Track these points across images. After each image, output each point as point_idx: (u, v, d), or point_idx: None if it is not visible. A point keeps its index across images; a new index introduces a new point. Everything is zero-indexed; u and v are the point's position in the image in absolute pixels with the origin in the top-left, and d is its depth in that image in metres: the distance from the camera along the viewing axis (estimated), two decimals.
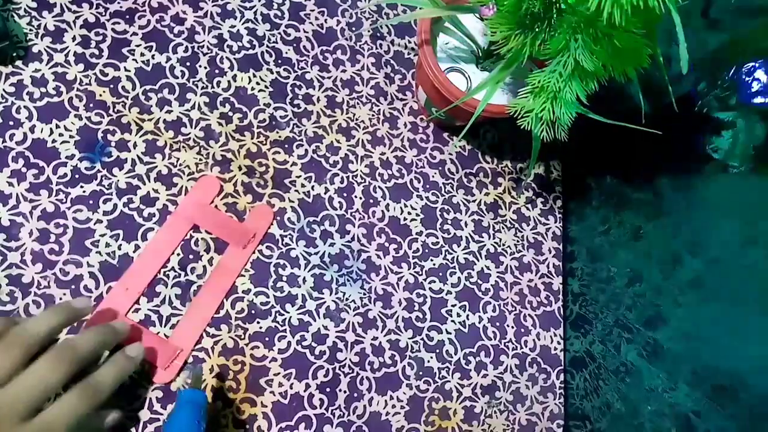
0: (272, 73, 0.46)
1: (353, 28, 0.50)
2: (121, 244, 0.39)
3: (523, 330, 0.48)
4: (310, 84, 0.47)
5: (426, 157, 0.49)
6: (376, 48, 0.50)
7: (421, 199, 0.48)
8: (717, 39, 0.39)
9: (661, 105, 0.37)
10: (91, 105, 0.41)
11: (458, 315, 0.47)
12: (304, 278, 0.43)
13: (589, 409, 0.47)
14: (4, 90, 0.39)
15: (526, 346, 0.48)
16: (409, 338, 0.45)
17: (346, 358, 0.43)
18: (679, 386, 0.39)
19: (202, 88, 0.44)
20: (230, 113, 0.44)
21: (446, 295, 0.47)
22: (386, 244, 0.46)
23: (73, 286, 0.38)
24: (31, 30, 0.41)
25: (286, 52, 0.47)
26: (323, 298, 0.43)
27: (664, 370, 0.41)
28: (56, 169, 0.39)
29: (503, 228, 0.50)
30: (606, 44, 0.30)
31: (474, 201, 0.50)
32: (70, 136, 0.40)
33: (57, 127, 0.40)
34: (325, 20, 0.49)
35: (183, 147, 0.42)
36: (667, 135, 0.37)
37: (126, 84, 0.42)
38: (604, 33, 0.29)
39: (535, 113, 0.34)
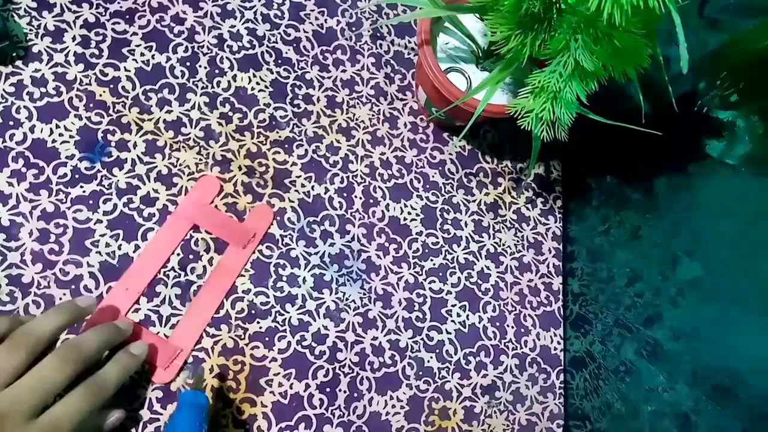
0: (272, 73, 0.46)
1: (353, 28, 0.50)
2: (121, 244, 0.39)
3: (523, 330, 0.48)
4: (310, 84, 0.47)
5: (426, 157, 0.49)
6: (376, 48, 0.50)
7: (421, 199, 0.48)
8: (717, 39, 0.39)
9: (661, 105, 0.37)
10: (91, 105, 0.41)
11: (458, 315, 0.47)
12: (304, 278, 0.43)
13: (589, 409, 0.47)
14: (4, 90, 0.39)
15: (526, 346, 0.48)
16: (409, 338, 0.45)
17: (346, 358, 0.43)
18: (678, 386, 0.39)
19: (202, 88, 0.44)
20: (230, 113, 0.44)
21: (446, 295, 0.47)
22: (386, 244, 0.46)
23: (73, 286, 0.38)
24: (31, 30, 0.41)
25: (286, 52, 0.47)
26: (323, 298, 0.43)
27: (664, 369, 0.41)
28: (56, 169, 0.39)
29: (503, 228, 0.50)
30: (606, 44, 0.30)
31: (474, 201, 0.50)
32: (70, 136, 0.40)
33: (57, 127, 0.40)
34: (325, 20, 0.49)
35: (183, 147, 0.42)
36: (667, 135, 0.37)
37: (126, 84, 0.42)
38: (604, 33, 0.29)
39: (535, 113, 0.34)
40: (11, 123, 0.39)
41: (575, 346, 0.50)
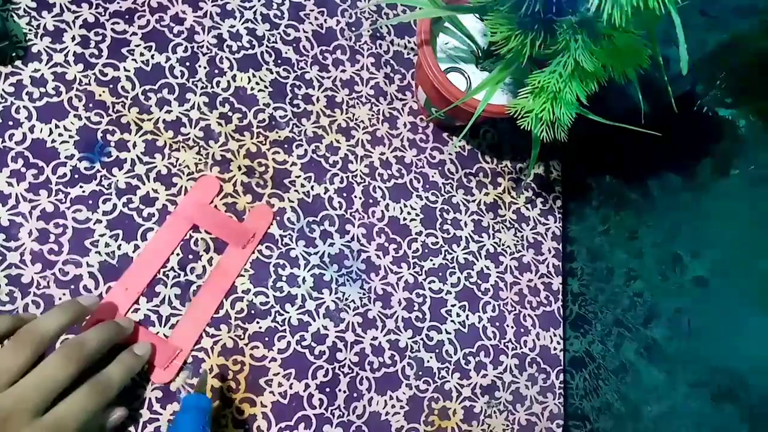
0: (272, 73, 0.46)
1: (353, 28, 0.50)
2: (120, 244, 0.39)
3: (522, 330, 0.48)
4: (309, 84, 0.47)
5: (426, 157, 0.49)
6: (376, 48, 0.50)
7: (421, 199, 0.48)
8: (716, 39, 0.39)
9: (661, 105, 0.37)
10: (91, 105, 0.41)
11: (458, 315, 0.47)
12: (304, 278, 0.43)
13: (589, 409, 0.47)
14: (3, 90, 0.39)
15: (525, 346, 0.48)
16: (408, 338, 0.45)
17: (345, 358, 0.43)
18: (678, 386, 0.39)
19: (202, 88, 0.44)
20: (230, 113, 0.44)
21: (446, 295, 0.47)
22: (386, 244, 0.46)
23: (72, 286, 0.38)
24: (30, 30, 0.41)
25: (286, 52, 0.47)
26: (323, 298, 0.43)
27: (664, 370, 0.41)
28: (56, 169, 0.39)
29: (503, 228, 0.50)
30: (606, 44, 0.30)
31: (474, 201, 0.50)
32: (70, 136, 0.40)
33: (56, 127, 0.40)
34: (325, 20, 0.49)
35: (182, 147, 0.42)
36: (666, 135, 0.37)
37: (125, 84, 0.42)
38: (604, 33, 0.29)
39: (534, 113, 0.34)
40: (11, 123, 0.39)
41: (575, 346, 0.50)
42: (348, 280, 0.44)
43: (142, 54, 0.43)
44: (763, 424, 0.34)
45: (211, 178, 0.42)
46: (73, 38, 0.42)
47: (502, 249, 0.50)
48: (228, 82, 0.45)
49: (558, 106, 0.33)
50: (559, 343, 0.49)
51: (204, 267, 0.41)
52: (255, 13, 0.47)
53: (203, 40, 0.45)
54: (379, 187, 0.47)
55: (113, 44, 0.42)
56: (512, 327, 0.48)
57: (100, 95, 0.41)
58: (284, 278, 0.43)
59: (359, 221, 0.46)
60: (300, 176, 0.45)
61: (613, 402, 0.45)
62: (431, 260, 0.47)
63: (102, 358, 0.34)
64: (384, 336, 0.44)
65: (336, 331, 0.43)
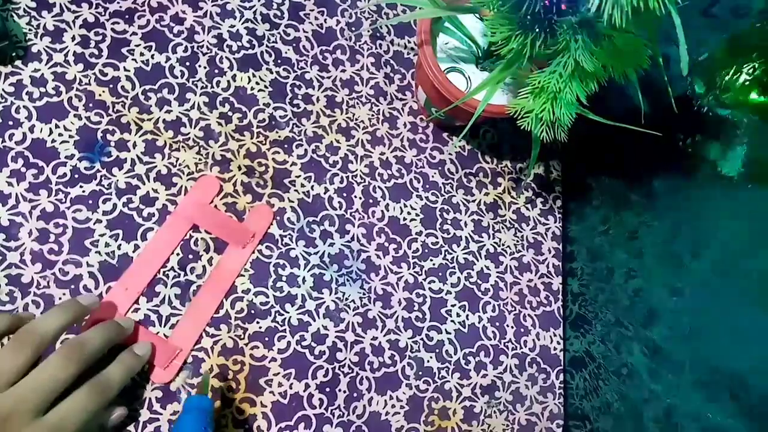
0: (272, 72, 0.46)
1: (353, 28, 0.50)
2: (120, 244, 0.39)
3: (522, 330, 0.48)
4: (309, 84, 0.47)
5: (426, 157, 0.49)
6: (376, 48, 0.50)
7: (421, 199, 0.48)
8: (716, 39, 0.39)
9: (661, 105, 0.37)
10: (91, 105, 0.41)
11: (458, 315, 0.47)
12: (304, 278, 0.43)
13: (589, 409, 0.47)
14: (3, 90, 0.39)
15: (525, 346, 0.48)
16: (408, 338, 0.45)
17: (345, 358, 0.43)
18: (678, 386, 0.39)
19: (202, 87, 0.44)
20: (230, 113, 0.44)
21: (446, 295, 0.47)
22: (386, 244, 0.46)
23: (72, 286, 0.38)
24: (30, 30, 0.41)
25: (286, 52, 0.47)
26: (323, 298, 0.43)
27: (664, 370, 0.41)
28: (56, 169, 0.39)
29: (503, 228, 0.50)
30: (606, 45, 0.30)
31: (474, 201, 0.50)
32: (70, 136, 0.40)
33: (56, 126, 0.40)
34: (325, 20, 0.49)
35: (182, 147, 0.42)
36: (666, 135, 0.37)
37: (125, 84, 0.42)
38: (604, 34, 0.29)
39: (535, 114, 0.34)
40: (11, 123, 0.39)
41: (575, 346, 0.50)
42: (348, 280, 0.44)
43: (142, 54, 0.43)
44: (763, 424, 0.34)
45: (211, 178, 0.42)
46: (73, 38, 0.42)
47: (502, 249, 0.50)
48: (228, 82, 0.45)
49: (558, 106, 0.33)
50: (559, 343, 0.49)
51: (204, 267, 0.41)
52: (255, 13, 0.47)
53: (203, 40, 0.45)
54: (379, 187, 0.47)
55: (113, 44, 0.42)
56: (512, 327, 0.48)
57: (100, 95, 0.41)
58: (284, 278, 0.43)
59: (359, 221, 0.46)
60: (300, 176, 0.45)
61: (613, 402, 0.45)
62: (431, 260, 0.47)
63: (102, 358, 0.34)
64: (384, 336, 0.44)
65: (336, 331, 0.43)
